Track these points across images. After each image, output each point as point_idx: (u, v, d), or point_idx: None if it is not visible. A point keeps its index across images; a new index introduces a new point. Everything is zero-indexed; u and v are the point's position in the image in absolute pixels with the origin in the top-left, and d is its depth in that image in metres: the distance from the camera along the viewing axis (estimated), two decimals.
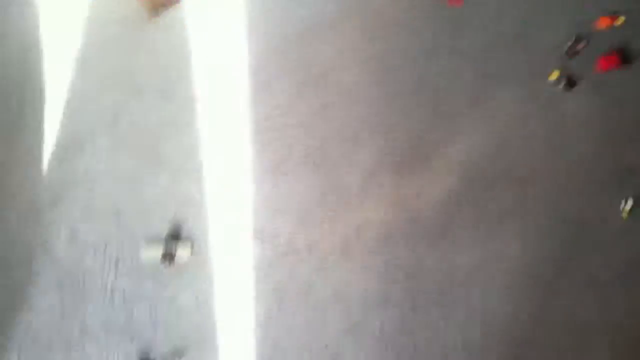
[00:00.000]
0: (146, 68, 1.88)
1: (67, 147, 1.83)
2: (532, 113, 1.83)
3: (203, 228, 1.79)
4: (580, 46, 1.94)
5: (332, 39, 1.86)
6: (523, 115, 1.82)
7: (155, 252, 1.72)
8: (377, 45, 1.85)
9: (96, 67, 1.83)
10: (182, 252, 1.73)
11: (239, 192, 1.80)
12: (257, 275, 1.74)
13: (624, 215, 1.80)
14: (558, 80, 1.92)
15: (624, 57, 1.94)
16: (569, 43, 1.92)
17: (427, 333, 1.67)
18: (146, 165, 1.81)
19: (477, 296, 1.71)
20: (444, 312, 1.69)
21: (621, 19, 1.91)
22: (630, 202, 1.79)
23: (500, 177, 1.79)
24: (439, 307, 1.69)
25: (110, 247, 1.76)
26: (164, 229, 1.79)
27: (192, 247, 1.76)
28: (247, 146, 1.81)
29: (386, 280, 1.73)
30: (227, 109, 1.83)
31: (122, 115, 1.84)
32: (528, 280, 1.72)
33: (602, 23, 1.93)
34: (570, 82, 1.90)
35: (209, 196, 1.79)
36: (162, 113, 1.83)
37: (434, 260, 1.73)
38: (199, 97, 1.89)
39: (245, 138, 1.82)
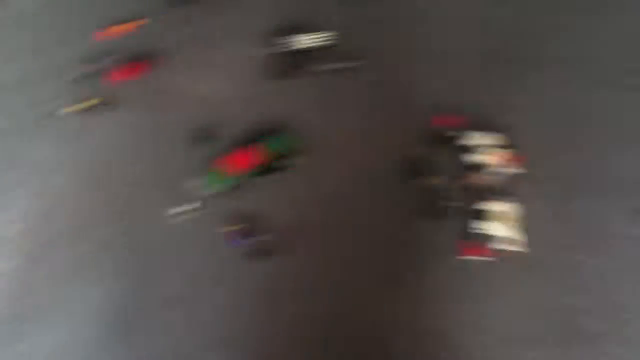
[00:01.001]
0: None
1: None
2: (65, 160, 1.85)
3: None
4: (95, 67, 1.68)
5: None
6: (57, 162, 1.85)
7: None
8: None
9: None
10: None
11: None
12: None
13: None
14: (80, 109, 1.63)
15: (143, 61, 1.74)
16: (84, 67, 1.67)
17: None
18: None
19: None
20: None
21: (138, 24, 1.72)
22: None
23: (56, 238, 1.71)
24: None
25: None
26: None
27: None
28: None
29: None
30: None
31: None
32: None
33: (111, 33, 1.64)
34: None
35: None
36: None
37: None
38: None
39: None
